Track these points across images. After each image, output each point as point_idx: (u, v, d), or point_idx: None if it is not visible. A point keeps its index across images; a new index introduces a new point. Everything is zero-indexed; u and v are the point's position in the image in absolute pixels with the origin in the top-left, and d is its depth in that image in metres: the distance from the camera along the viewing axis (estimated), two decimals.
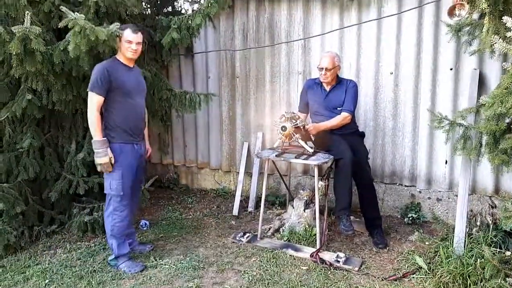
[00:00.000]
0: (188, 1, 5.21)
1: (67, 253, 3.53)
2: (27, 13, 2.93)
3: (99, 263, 3.32)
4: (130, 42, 3.09)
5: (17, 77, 3.37)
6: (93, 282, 3.03)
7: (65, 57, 3.26)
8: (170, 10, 5.15)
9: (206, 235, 3.86)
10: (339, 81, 3.70)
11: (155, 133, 5.15)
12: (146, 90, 3.38)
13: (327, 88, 3.69)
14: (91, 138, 3.78)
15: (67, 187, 3.83)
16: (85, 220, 3.71)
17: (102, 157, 3.01)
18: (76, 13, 3.00)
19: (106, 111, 3.10)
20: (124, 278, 3.08)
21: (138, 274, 3.13)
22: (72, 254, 3.50)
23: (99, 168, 3.07)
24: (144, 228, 4.02)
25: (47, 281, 3.08)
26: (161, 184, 5.33)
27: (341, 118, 3.59)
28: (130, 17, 4.13)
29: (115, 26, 3.12)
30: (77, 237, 3.79)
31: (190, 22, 4.37)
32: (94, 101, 3.00)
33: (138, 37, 3.11)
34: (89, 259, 3.41)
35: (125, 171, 3.13)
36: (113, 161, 3.06)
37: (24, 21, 2.91)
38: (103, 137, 3.03)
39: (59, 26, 3.10)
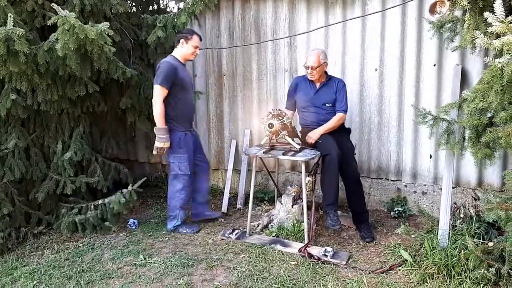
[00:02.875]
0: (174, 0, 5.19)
1: (55, 253, 3.51)
2: (10, 15, 2.90)
3: (87, 263, 3.31)
4: (197, 47, 3.64)
5: (1, 78, 3.33)
6: (81, 282, 3.02)
7: (50, 57, 3.23)
8: (156, 9, 5.13)
9: (197, 232, 3.87)
10: (329, 78, 3.74)
11: (142, 131, 5.12)
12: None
13: (317, 85, 3.73)
14: (78, 137, 3.79)
15: (54, 187, 3.81)
16: (76, 220, 3.70)
17: (166, 142, 3.54)
18: (65, 11, 2.98)
19: (169, 104, 3.54)
20: (113, 277, 3.08)
21: (127, 273, 3.13)
22: (60, 254, 3.48)
23: (155, 152, 3.58)
24: (133, 227, 4.01)
25: (35, 282, 3.06)
26: (149, 183, 5.31)
27: (337, 118, 3.65)
28: (115, 16, 4.11)
29: (104, 25, 3.11)
30: (65, 237, 3.77)
31: (175, 20, 4.36)
32: (160, 93, 3.45)
33: (200, 42, 3.70)
34: (77, 259, 3.39)
35: (190, 155, 3.69)
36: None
37: (5, 21, 2.89)
38: (166, 126, 3.54)
39: (48, 24, 3.08)
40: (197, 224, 3.95)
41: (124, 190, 3.79)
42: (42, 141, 3.97)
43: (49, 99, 3.60)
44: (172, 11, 4.91)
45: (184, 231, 3.80)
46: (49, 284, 3.02)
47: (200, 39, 3.70)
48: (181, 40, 3.61)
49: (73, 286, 2.98)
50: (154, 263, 3.27)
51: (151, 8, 5.09)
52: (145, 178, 3.98)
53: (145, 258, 3.34)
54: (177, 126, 3.63)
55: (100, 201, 3.80)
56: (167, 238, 3.75)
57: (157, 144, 3.54)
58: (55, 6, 2.99)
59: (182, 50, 3.63)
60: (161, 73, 3.45)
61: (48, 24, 3.12)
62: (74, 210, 3.80)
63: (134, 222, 4.06)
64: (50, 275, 3.16)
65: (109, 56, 3.47)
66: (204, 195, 4.07)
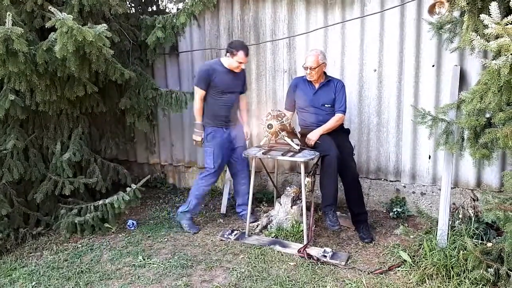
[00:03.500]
0: (173, 0, 5.20)
1: (54, 254, 3.51)
2: (8, 14, 2.90)
3: (86, 264, 3.30)
4: (241, 63, 3.71)
5: (0, 78, 3.33)
6: (80, 283, 3.02)
7: (49, 57, 3.23)
8: (155, 9, 5.13)
9: (194, 233, 3.87)
10: (328, 79, 3.75)
11: (141, 132, 5.13)
12: (240, 88, 3.95)
13: (316, 85, 3.74)
14: (77, 138, 3.82)
15: (53, 188, 3.81)
16: (75, 221, 3.69)
17: (198, 136, 3.91)
18: (63, 13, 2.98)
19: (206, 102, 3.85)
20: (112, 278, 3.08)
21: (126, 273, 3.13)
22: (59, 255, 3.48)
23: (194, 143, 4.00)
24: (132, 228, 4.01)
25: (34, 283, 3.06)
26: (148, 184, 5.30)
27: (336, 119, 3.66)
28: (114, 17, 4.12)
29: (102, 27, 3.11)
30: (63, 238, 3.76)
31: (174, 21, 4.37)
32: (197, 93, 3.82)
33: (248, 58, 3.77)
34: (76, 260, 3.39)
35: (216, 150, 3.86)
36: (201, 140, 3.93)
37: (5, 21, 2.89)
38: (202, 122, 3.88)
39: (46, 26, 3.08)
40: (198, 227, 3.99)
41: (128, 189, 3.80)
42: (41, 142, 3.97)
43: (47, 100, 3.59)
44: (171, 12, 4.91)
45: (186, 226, 3.93)
46: (48, 285, 3.02)
47: (246, 55, 3.70)
48: (228, 54, 3.71)
49: (72, 287, 2.98)
50: (153, 264, 3.27)
51: (150, 9, 5.10)
52: (149, 176, 4.02)
53: (144, 259, 3.34)
54: (207, 122, 3.87)
55: (100, 202, 3.79)
56: (166, 239, 3.74)
57: (193, 137, 3.95)
58: (52, 9, 2.99)
59: (228, 61, 3.73)
60: (196, 75, 3.89)
61: (47, 26, 3.11)
62: (74, 211, 3.80)
63: (133, 223, 4.06)
64: (49, 276, 3.15)
65: (108, 57, 3.46)
66: (241, 197, 4.13)
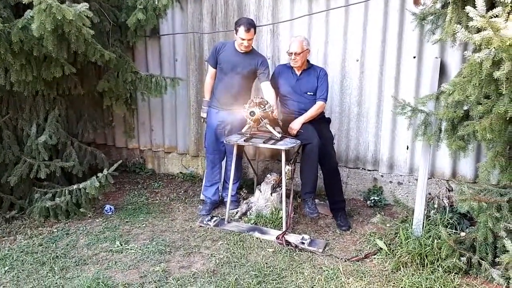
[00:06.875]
0: None
1: (28, 239, 3.43)
2: None
3: (62, 249, 3.25)
4: (243, 39, 3.54)
5: None
6: (55, 268, 2.97)
7: (25, 36, 3.11)
8: None
9: (173, 219, 3.85)
10: (310, 66, 3.75)
11: (120, 116, 5.03)
12: (248, 72, 3.73)
13: (298, 72, 3.74)
14: (53, 120, 3.73)
15: (27, 171, 3.71)
16: (47, 205, 3.61)
17: (203, 112, 4.03)
18: None
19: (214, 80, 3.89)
20: (88, 264, 3.04)
21: (103, 259, 3.10)
22: (33, 240, 3.40)
23: (202, 120, 4.12)
24: (109, 213, 3.96)
25: (6, 268, 2.99)
26: (127, 169, 5.23)
27: (317, 107, 3.68)
28: None
29: (83, 6, 3.01)
30: (38, 222, 3.68)
31: (156, 2, 4.26)
32: (208, 69, 3.92)
33: (250, 34, 3.55)
34: (51, 245, 3.33)
35: (207, 129, 4.01)
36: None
37: None
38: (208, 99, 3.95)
39: (24, 2, 2.95)
40: (207, 210, 4.00)
41: (100, 174, 3.71)
42: (16, 123, 3.85)
43: (23, 80, 3.47)
44: None
45: (200, 208, 4.04)
46: (21, 270, 2.96)
47: (248, 30, 3.49)
48: (234, 31, 3.62)
49: (47, 272, 2.92)
50: (131, 249, 3.24)
51: None
52: (120, 161, 3.93)
53: (121, 244, 3.30)
54: (209, 101, 3.94)
55: (74, 186, 3.71)
56: (144, 225, 3.71)
57: (201, 113, 4.10)
58: None
59: (236, 40, 3.62)
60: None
61: (23, 2, 2.99)
62: (48, 195, 3.72)
63: (110, 208, 4.00)
64: (22, 260, 3.09)
65: (87, 38, 3.36)
66: (225, 179, 4.16)
